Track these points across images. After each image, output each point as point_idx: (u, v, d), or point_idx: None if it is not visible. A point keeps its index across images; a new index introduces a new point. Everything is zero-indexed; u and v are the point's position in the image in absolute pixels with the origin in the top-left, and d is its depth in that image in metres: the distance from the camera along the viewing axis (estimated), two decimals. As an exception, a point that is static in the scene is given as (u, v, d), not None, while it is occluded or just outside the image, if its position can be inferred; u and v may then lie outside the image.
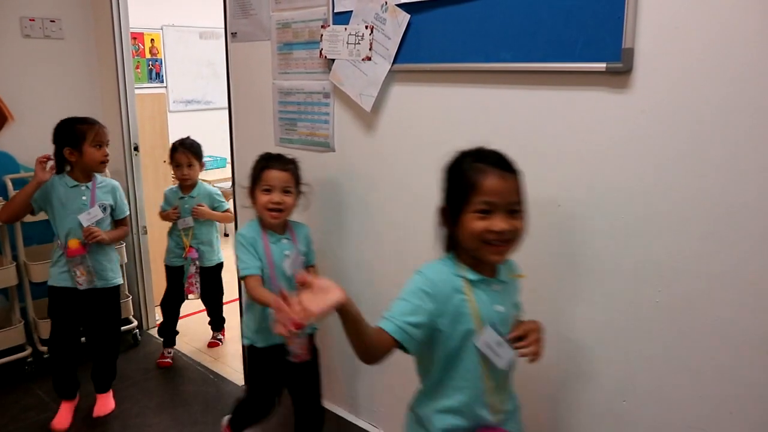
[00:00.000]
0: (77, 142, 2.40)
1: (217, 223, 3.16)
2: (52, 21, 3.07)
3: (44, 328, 2.90)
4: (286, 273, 1.97)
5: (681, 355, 1.43)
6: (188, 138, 3.04)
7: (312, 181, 2.24)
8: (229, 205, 3.05)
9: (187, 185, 3.01)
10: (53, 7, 3.08)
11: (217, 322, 3.39)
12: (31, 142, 3.04)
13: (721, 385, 1.38)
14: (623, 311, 1.51)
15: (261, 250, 1.96)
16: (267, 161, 1.96)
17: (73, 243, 2.42)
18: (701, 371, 1.40)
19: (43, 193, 2.40)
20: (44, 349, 2.95)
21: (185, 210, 3.00)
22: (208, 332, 3.46)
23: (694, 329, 1.40)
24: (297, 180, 1.98)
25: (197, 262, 3.04)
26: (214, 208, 3.06)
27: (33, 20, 3.01)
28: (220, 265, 3.21)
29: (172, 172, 3.09)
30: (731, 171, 1.29)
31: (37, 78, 3.07)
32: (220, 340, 3.37)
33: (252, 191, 1.97)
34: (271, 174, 1.92)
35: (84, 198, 2.46)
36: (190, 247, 3.02)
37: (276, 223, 1.97)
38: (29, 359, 2.92)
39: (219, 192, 3.12)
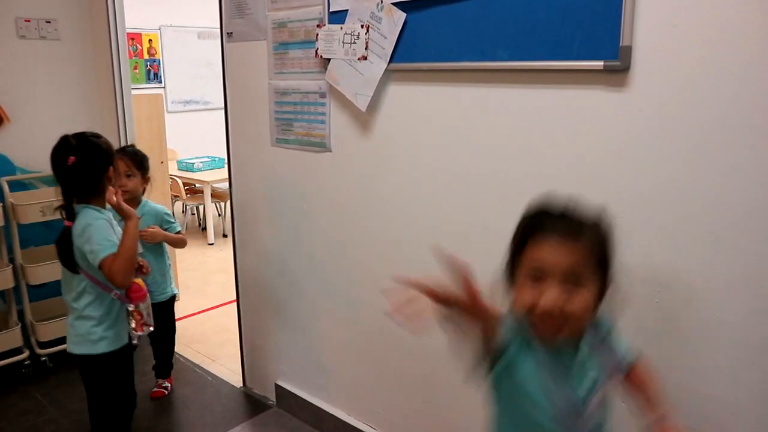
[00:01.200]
0: (113, 161, 1.96)
1: (167, 248, 2.68)
2: (47, 22, 3.06)
3: (42, 330, 2.89)
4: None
5: (681, 356, 1.41)
6: (132, 146, 2.58)
7: (309, 182, 2.23)
8: (181, 227, 2.67)
9: (125, 200, 2.21)
10: (49, 7, 3.07)
11: (165, 367, 2.83)
12: (27, 144, 3.04)
13: (721, 387, 1.37)
14: (622, 312, 1.49)
15: (526, 384, 1.06)
16: (542, 217, 1.05)
17: (143, 282, 2.00)
18: (702, 372, 1.39)
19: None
20: (42, 351, 2.94)
21: None
22: (207, 333, 3.44)
23: (693, 330, 1.38)
24: (599, 259, 1.03)
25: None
26: (163, 230, 2.57)
27: (28, 21, 3.00)
28: (172, 299, 2.74)
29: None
30: (730, 170, 1.27)
31: (32, 79, 3.06)
32: (165, 388, 2.81)
33: (512, 272, 1.07)
34: (548, 249, 1.00)
35: (119, 229, 1.94)
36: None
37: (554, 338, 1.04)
38: (26, 362, 2.91)
39: (168, 211, 2.64)
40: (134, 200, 2.46)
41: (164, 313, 2.69)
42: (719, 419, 1.38)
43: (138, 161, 2.48)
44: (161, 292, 2.64)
